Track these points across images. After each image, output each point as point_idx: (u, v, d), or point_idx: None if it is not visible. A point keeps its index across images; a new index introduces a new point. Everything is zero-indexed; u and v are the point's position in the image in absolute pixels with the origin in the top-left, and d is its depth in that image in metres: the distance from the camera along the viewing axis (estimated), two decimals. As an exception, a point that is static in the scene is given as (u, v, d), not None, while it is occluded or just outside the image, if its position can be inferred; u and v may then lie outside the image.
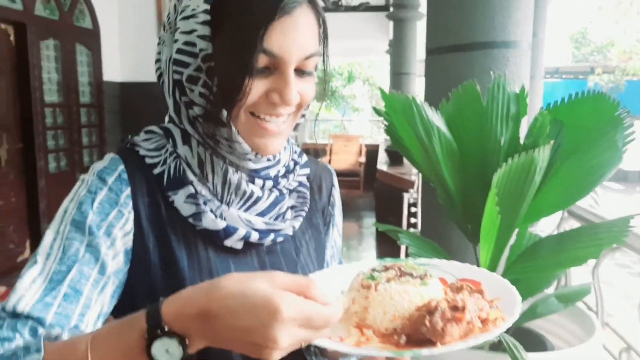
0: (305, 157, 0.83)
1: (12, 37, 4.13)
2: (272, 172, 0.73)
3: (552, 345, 1.27)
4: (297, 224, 0.76)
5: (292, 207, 0.78)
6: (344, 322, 0.59)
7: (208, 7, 0.65)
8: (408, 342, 0.55)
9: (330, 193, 0.88)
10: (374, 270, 0.64)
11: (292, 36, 0.63)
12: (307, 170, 0.82)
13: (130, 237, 0.67)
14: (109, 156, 0.70)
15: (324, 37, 0.69)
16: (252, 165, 0.70)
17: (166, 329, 0.49)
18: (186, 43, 0.66)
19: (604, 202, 2.75)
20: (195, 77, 0.66)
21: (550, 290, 1.38)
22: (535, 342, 1.29)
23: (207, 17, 0.64)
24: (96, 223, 0.65)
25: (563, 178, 1.22)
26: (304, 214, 0.78)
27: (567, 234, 1.25)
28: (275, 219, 0.74)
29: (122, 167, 0.68)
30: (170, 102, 0.72)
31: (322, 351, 0.79)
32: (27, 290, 0.61)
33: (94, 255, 0.64)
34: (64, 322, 0.61)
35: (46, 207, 4.43)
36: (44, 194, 4.41)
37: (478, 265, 1.22)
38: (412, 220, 4.35)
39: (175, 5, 0.70)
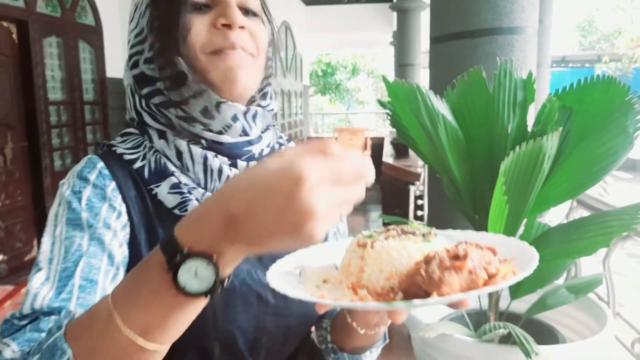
0: (293, 144, 0.82)
1: (14, 35, 4.12)
2: (256, 150, 0.71)
3: (563, 337, 1.24)
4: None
5: None
6: (339, 284, 0.55)
7: None
8: (404, 299, 0.49)
9: None
10: (374, 231, 0.59)
11: None
12: None
13: (128, 230, 0.66)
14: (85, 158, 0.69)
15: None
16: (229, 139, 0.69)
17: (185, 251, 0.43)
18: (136, 35, 0.69)
19: (612, 191, 2.71)
20: (151, 57, 0.68)
21: (560, 281, 1.36)
22: (546, 334, 1.26)
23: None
24: (91, 217, 0.63)
25: (572, 166, 1.19)
26: None
27: (576, 223, 1.22)
28: None
29: (101, 164, 0.67)
30: (133, 114, 0.72)
31: (340, 347, 0.78)
32: (39, 289, 0.58)
33: (99, 247, 0.62)
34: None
35: (52, 205, 4.45)
36: (50, 192, 4.42)
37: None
38: (419, 212, 4.32)
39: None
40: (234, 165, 0.69)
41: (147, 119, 0.70)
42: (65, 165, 4.68)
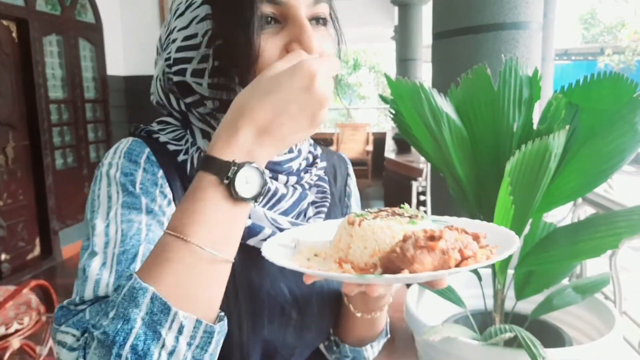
0: (320, 150, 0.80)
1: (14, 34, 4.11)
2: (295, 166, 0.70)
3: (569, 339, 1.22)
4: (320, 220, 0.73)
5: (312, 203, 0.74)
6: (328, 258, 0.58)
7: None
8: (382, 274, 0.52)
9: (345, 183, 0.85)
10: (367, 210, 0.62)
11: None
12: (324, 163, 0.79)
13: None
14: (130, 139, 0.65)
15: None
16: (275, 158, 0.67)
17: (234, 163, 0.49)
18: (186, 38, 0.62)
19: (617, 185, 2.69)
20: (200, 70, 0.62)
21: (565, 281, 1.34)
22: (552, 335, 1.24)
23: None
24: (149, 202, 0.60)
25: (579, 164, 1.17)
26: (325, 210, 0.75)
27: (584, 223, 1.20)
28: (297, 217, 0.71)
29: (148, 149, 0.64)
30: (175, 107, 0.68)
31: (341, 338, 0.79)
32: (101, 277, 0.55)
33: (158, 232, 0.59)
34: None
35: (55, 204, 4.44)
36: (52, 190, 4.42)
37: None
38: (422, 208, 4.30)
39: (164, 27, 0.68)
40: (274, 178, 0.68)
41: (194, 121, 0.67)
42: (67, 164, 4.67)
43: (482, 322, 1.32)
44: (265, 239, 0.65)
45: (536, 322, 1.28)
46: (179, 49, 0.64)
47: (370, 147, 8.78)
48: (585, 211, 1.93)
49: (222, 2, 0.60)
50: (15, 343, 2.30)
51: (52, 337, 0.53)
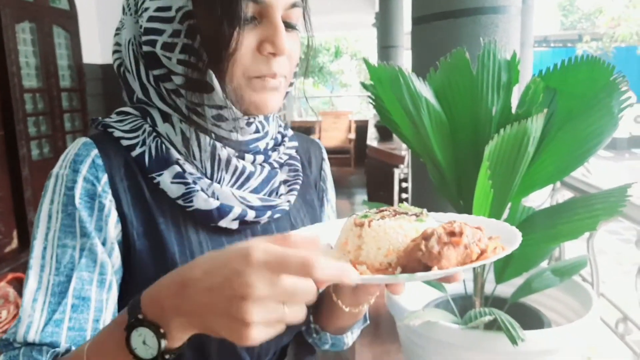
0: (291, 131, 0.80)
1: (-16, 21, 3.98)
2: (262, 145, 0.70)
3: (548, 320, 1.24)
4: (292, 198, 0.73)
5: (284, 182, 0.74)
6: (340, 260, 0.57)
7: None
8: (403, 273, 0.53)
9: (320, 167, 0.85)
10: (367, 211, 0.62)
11: None
12: (295, 143, 0.78)
13: (119, 227, 0.63)
14: (80, 141, 0.64)
15: None
16: (239, 137, 0.66)
17: (140, 317, 0.46)
18: (158, 9, 0.61)
19: (594, 170, 2.73)
20: (171, 44, 0.61)
21: (544, 263, 1.35)
22: (531, 318, 1.26)
23: None
24: (84, 222, 0.60)
25: (557, 148, 1.18)
26: (297, 187, 0.75)
27: (562, 206, 1.21)
28: (269, 195, 0.70)
29: (95, 151, 0.63)
30: (136, 85, 0.66)
31: (322, 326, 0.79)
32: (32, 315, 0.58)
33: (90, 258, 0.61)
34: (78, 338, 0.59)
35: (31, 196, 4.34)
36: (28, 182, 4.32)
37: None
38: (404, 195, 4.32)
39: None
40: (241, 157, 0.67)
41: (154, 97, 0.65)
42: (43, 155, 4.57)
43: (462, 306, 1.33)
44: (236, 219, 0.65)
45: (516, 304, 1.29)
46: (150, 19, 0.62)
47: (352, 135, 8.78)
48: (564, 195, 1.96)
49: None
50: (-8, 337, 2.26)
51: None
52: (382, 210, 0.61)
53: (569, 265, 1.28)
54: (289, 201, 0.72)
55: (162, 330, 0.45)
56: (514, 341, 0.97)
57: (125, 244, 0.63)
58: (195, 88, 0.62)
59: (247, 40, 0.59)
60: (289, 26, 0.63)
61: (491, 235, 0.55)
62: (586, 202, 1.12)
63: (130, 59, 0.66)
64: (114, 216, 0.62)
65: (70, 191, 0.61)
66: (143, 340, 0.46)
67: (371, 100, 1.31)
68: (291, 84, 0.72)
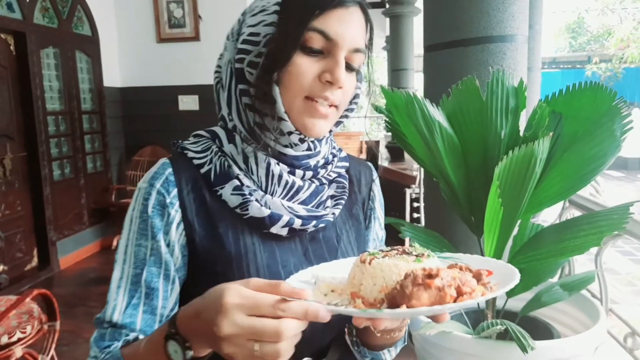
0: (344, 153, 0.91)
1: (12, 47, 4.16)
2: (312, 162, 0.79)
3: (558, 333, 1.29)
4: (337, 211, 0.83)
5: (332, 197, 0.84)
6: (343, 294, 0.63)
7: (280, 0, 0.73)
8: (387, 309, 0.57)
9: (370, 187, 0.94)
10: (380, 250, 0.68)
11: (346, 25, 0.72)
12: (345, 164, 0.89)
13: (183, 232, 0.75)
14: (161, 161, 0.79)
15: (370, 41, 0.79)
16: (292, 152, 0.77)
17: (172, 331, 0.58)
18: (251, 34, 0.74)
19: (605, 190, 2.77)
20: (255, 62, 0.73)
21: (554, 279, 1.41)
22: (541, 330, 1.31)
23: (277, 8, 0.73)
24: (155, 227, 0.74)
25: (563, 168, 1.25)
26: (343, 202, 0.84)
27: (568, 223, 1.27)
28: (317, 207, 0.81)
29: (169, 170, 0.77)
30: (224, 96, 0.79)
31: (361, 341, 0.85)
32: (116, 299, 0.74)
33: (157, 257, 0.74)
34: (150, 321, 0.74)
35: (52, 215, 4.47)
36: (49, 201, 4.45)
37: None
38: (415, 215, 4.37)
39: (239, 20, 0.79)
40: (292, 173, 0.78)
41: (234, 112, 0.77)
42: (64, 175, 4.71)
43: (474, 319, 1.39)
44: (284, 226, 0.75)
45: (526, 318, 1.35)
46: (244, 41, 0.75)
47: (363, 156, 8.88)
48: (573, 214, 2.01)
49: (284, 16, 0.72)
50: (18, 352, 2.33)
51: (90, 344, 0.74)
52: (392, 249, 0.67)
53: (577, 280, 1.34)
54: (333, 213, 0.82)
55: (187, 344, 0.57)
56: (524, 349, 1.02)
57: (190, 247, 0.76)
58: (263, 100, 0.73)
59: (311, 67, 0.71)
60: (349, 67, 0.75)
61: (489, 282, 0.59)
62: (591, 219, 1.19)
63: (227, 75, 0.78)
64: (176, 222, 0.75)
65: (146, 201, 0.75)
66: (175, 349, 0.58)
67: (386, 124, 1.39)
68: (346, 117, 0.82)
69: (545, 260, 1.25)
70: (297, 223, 0.76)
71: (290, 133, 0.75)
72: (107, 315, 0.73)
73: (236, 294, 0.52)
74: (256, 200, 0.75)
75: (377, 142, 8.67)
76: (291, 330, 0.52)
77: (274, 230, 0.76)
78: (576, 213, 1.93)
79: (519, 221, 1.30)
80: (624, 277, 4.31)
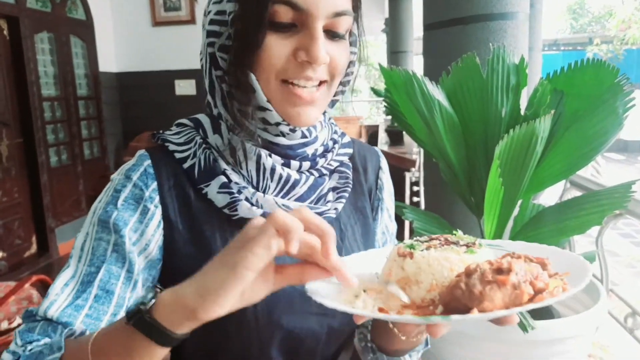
0: (347, 138, 0.80)
1: (5, 32, 4.10)
2: (309, 151, 0.70)
3: (558, 313, 1.29)
4: (340, 206, 0.72)
5: (333, 189, 0.74)
6: (378, 294, 0.54)
7: None
8: (444, 313, 0.47)
9: (377, 175, 0.83)
10: (416, 239, 0.58)
11: None
12: (349, 150, 0.78)
13: (160, 231, 0.66)
14: (138, 153, 0.69)
15: (355, 0, 0.65)
16: (285, 142, 0.67)
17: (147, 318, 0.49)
18: (218, 12, 0.65)
19: (605, 172, 2.76)
20: (227, 46, 0.64)
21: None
22: (542, 310, 1.30)
23: None
24: (121, 221, 0.64)
25: (564, 147, 1.23)
26: (346, 195, 0.74)
27: (570, 203, 1.26)
28: (316, 202, 0.71)
29: (148, 162, 0.67)
30: (206, 82, 0.69)
31: (380, 348, 0.75)
32: (59, 295, 0.62)
33: (120, 254, 0.64)
34: (92, 326, 0.62)
35: (50, 202, 4.45)
36: (47, 188, 4.43)
37: (482, 238, 1.23)
38: (415, 199, 4.36)
39: None
40: (286, 165, 0.68)
41: (217, 99, 0.68)
42: (61, 161, 4.68)
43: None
44: None
45: (526, 299, 1.34)
46: (211, 22, 0.66)
47: (363, 140, 8.85)
48: (574, 195, 2.00)
49: None
50: (18, 337, 2.33)
51: (14, 336, 0.62)
52: (432, 239, 0.57)
53: (578, 261, 1.33)
54: (336, 209, 0.72)
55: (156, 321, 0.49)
56: (525, 329, 1.02)
57: (169, 249, 0.66)
58: (242, 88, 0.63)
59: (282, 45, 0.60)
60: (335, 35, 0.63)
61: (557, 272, 0.49)
62: (593, 198, 1.17)
63: (206, 60, 0.69)
64: (156, 220, 0.66)
65: (117, 193, 0.66)
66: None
67: (385, 105, 1.37)
68: (342, 92, 0.71)
69: (547, 240, 1.24)
70: None
71: (278, 124, 0.65)
72: (41, 309, 0.61)
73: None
74: (246, 198, 0.66)
75: (377, 127, 8.64)
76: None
77: None
78: (577, 194, 1.92)
79: (519, 201, 1.29)
80: (624, 259, 4.32)
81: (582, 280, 0.46)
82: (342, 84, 0.71)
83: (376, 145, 6.84)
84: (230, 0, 0.63)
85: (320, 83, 0.65)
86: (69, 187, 4.78)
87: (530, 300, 0.44)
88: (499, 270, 0.45)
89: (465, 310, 0.44)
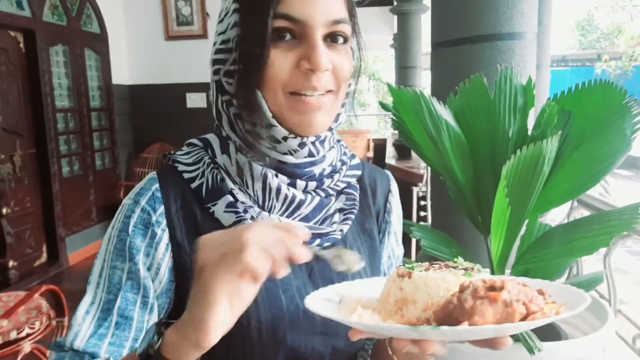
0: (357, 160, 0.81)
1: (21, 44, 4.19)
2: (317, 170, 0.71)
3: (565, 334, 1.28)
4: (346, 227, 0.73)
5: (340, 210, 0.75)
6: (376, 313, 0.55)
7: None
8: None
9: (386, 199, 0.84)
10: (417, 263, 0.59)
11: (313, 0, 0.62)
12: (357, 172, 0.79)
13: (169, 254, 0.68)
14: (148, 176, 0.72)
15: (350, 7, 0.67)
16: (292, 160, 0.68)
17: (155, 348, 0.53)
18: (222, 42, 0.68)
19: (614, 189, 2.75)
20: (231, 71, 0.67)
21: (562, 279, 1.39)
22: (548, 331, 1.30)
23: (236, 6, 0.65)
24: (134, 248, 0.66)
25: (572, 168, 1.23)
26: (352, 216, 0.75)
27: (577, 223, 1.26)
28: (322, 222, 0.72)
29: (156, 185, 0.69)
30: (213, 111, 0.72)
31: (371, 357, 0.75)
32: (82, 325, 0.66)
33: (135, 281, 0.66)
34: (116, 354, 0.65)
35: (61, 211, 4.50)
36: (59, 198, 4.48)
37: (490, 257, 1.24)
38: (422, 213, 4.36)
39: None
40: (292, 185, 0.69)
41: (225, 124, 0.70)
42: (73, 172, 4.74)
43: (481, 319, 1.38)
44: None
45: (533, 318, 1.34)
46: (216, 51, 0.69)
47: (371, 154, 8.85)
48: (581, 214, 1.99)
49: (243, 13, 0.64)
50: (26, 347, 2.35)
51: None
52: (433, 264, 0.57)
53: (585, 281, 1.32)
54: (341, 230, 0.72)
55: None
56: (531, 351, 1.01)
57: (178, 271, 0.68)
58: (248, 108, 0.66)
59: (285, 58, 0.63)
60: (334, 43, 0.65)
61: (554, 301, 0.49)
62: (600, 218, 1.17)
63: (212, 89, 0.72)
64: (164, 243, 0.68)
65: (127, 219, 0.67)
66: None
67: (393, 122, 1.38)
68: (344, 104, 0.73)
69: (553, 260, 1.24)
70: None
71: (285, 138, 0.67)
72: (67, 341, 0.65)
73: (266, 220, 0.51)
74: (252, 218, 0.67)
75: (385, 140, 8.66)
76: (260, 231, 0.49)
77: None
78: (585, 213, 1.91)
79: (526, 221, 1.29)
80: (633, 277, 4.28)
81: (577, 305, 0.47)
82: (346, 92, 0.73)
83: (384, 159, 6.86)
84: (232, 27, 0.66)
85: (327, 92, 0.67)
86: (80, 197, 4.84)
87: (523, 319, 0.44)
88: (492, 288, 0.46)
89: (457, 324, 0.45)
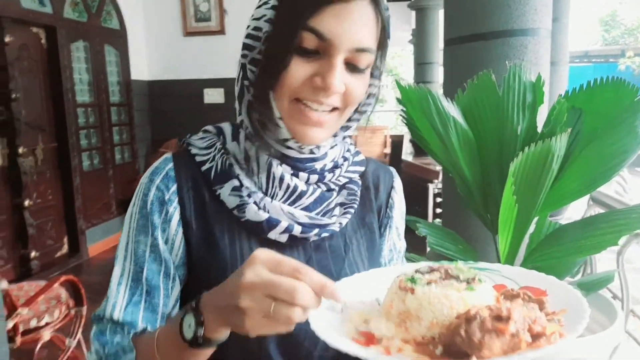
0: (361, 156, 0.83)
1: (43, 40, 4.28)
2: (318, 166, 0.74)
3: (573, 332, 1.28)
4: (345, 220, 0.76)
5: (341, 204, 0.77)
6: (384, 321, 0.56)
7: None
8: (444, 353, 0.49)
9: (389, 194, 0.85)
10: (417, 271, 0.59)
11: (345, 23, 0.63)
12: (360, 168, 0.81)
13: (181, 230, 0.72)
14: (164, 156, 0.76)
15: (382, 39, 0.69)
16: (295, 154, 0.71)
17: (193, 305, 0.57)
18: (255, 28, 0.70)
19: (632, 187, 2.70)
20: (257, 60, 0.69)
21: (576, 277, 1.39)
22: (556, 329, 1.30)
23: (275, 2, 0.67)
24: (153, 223, 0.71)
25: (582, 165, 1.22)
26: (352, 210, 0.77)
27: (586, 221, 1.25)
28: (323, 215, 0.74)
29: (170, 165, 0.74)
30: (237, 88, 0.74)
31: None
32: (117, 296, 0.71)
33: (157, 254, 0.71)
34: (151, 318, 0.70)
35: (81, 204, 4.59)
36: (79, 191, 4.57)
37: (498, 255, 1.24)
38: (438, 210, 4.34)
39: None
40: (295, 175, 0.72)
41: (243, 107, 0.73)
42: (93, 165, 4.83)
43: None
44: (283, 232, 0.71)
45: (541, 316, 1.33)
46: (247, 36, 0.71)
47: (388, 150, 8.82)
48: (597, 213, 1.97)
49: (279, 13, 0.66)
50: (46, 335, 2.42)
51: (91, 338, 0.71)
52: (433, 270, 0.58)
53: (596, 280, 1.32)
54: (340, 223, 0.75)
55: (202, 319, 0.56)
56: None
57: (187, 247, 0.73)
58: (261, 103, 0.69)
59: (303, 69, 0.65)
60: (354, 69, 0.67)
61: (554, 311, 0.50)
62: (609, 217, 1.17)
63: (238, 68, 0.74)
64: (175, 220, 0.72)
65: (145, 197, 0.72)
66: (189, 323, 0.57)
67: (403, 119, 1.39)
68: (352, 121, 0.75)
69: (562, 258, 1.23)
70: (297, 230, 0.70)
71: (286, 140, 0.70)
72: (107, 312, 0.70)
73: (266, 251, 0.52)
74: (254, 202, 0.70)
75: (402, 137, 8.62)
76: (305, 295, 0.49)
77: (273, 236, 0.71)
78: (600, 211, 1.89)
79: (535, 218, 1.28)
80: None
81: (578, 322, 0.48)
82: (359, 112, 0.75)
83: (400, 155, 6.83)
84: (267, 21, 0.68)
85: (333, 109, 0.69)
86: (100, 191, 4.93)
87: (529, 346, 0.46)
88: (498, 318, 0.47)
89: (465, 356, 0.46)
